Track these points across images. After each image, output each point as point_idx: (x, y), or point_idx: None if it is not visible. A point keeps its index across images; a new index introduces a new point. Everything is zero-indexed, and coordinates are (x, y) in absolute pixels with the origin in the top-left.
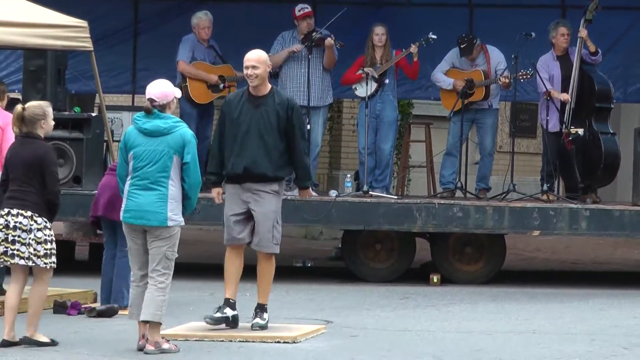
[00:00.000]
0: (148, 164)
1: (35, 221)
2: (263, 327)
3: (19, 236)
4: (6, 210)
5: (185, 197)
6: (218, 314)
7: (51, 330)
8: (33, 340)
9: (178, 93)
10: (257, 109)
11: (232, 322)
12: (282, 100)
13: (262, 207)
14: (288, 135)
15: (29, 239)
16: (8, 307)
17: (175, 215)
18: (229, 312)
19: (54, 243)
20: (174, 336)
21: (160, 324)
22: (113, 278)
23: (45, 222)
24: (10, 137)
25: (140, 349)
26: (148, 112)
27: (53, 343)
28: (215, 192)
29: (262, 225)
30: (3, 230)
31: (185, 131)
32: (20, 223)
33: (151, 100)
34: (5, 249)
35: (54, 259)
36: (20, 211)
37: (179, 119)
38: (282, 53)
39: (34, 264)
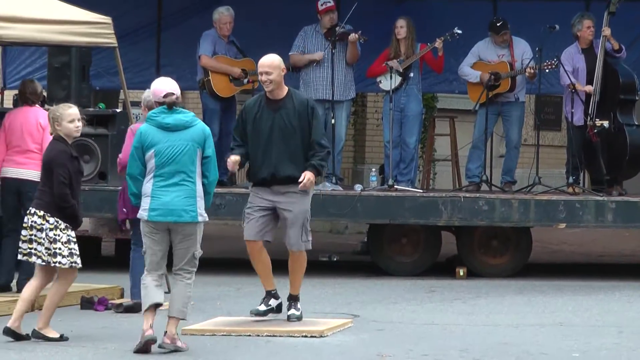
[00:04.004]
0: (173, 160)
1: (47, 221)
2: (299, 318)
3: (34, 235)
4: (30, 209)
5: (205, 193)
6: (263, 307)
7: (78, 326)
8: (41, 334)
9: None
10: (277, 113)
11: (277, 310)
12: (302, 101)
13: (294, 208)
14: (309, 135)
15: (41, 238)
16: (21, 297)
17: (203, 211)
18: (273, 302)
19: (69, 244)
20: (200, 331)
21: (183, 319)
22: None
23: (57, 222)
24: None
25: (147, 341)
26: (171, 107)
27: (62, 338)
28: (232, 159)
29: (294, 225)
30: (27, 229)
31: (204, 125)
32: (35, 222)
33: (169, 94)
34: (26, 248)
35: (63, 260)
36: (36, 210)
37: (194, 114)
38: (304, 58)
39: (47, 264)
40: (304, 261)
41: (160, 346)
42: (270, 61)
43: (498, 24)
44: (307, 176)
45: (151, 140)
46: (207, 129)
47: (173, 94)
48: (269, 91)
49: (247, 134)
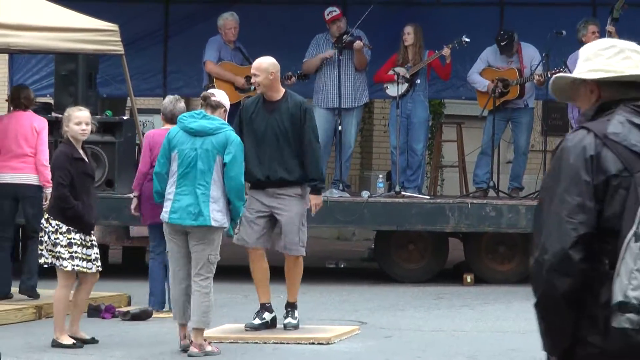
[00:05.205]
0: (192, 164)
1: (50, 224)
2: (296, 327)
3: (42, 237)
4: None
5: (230, 202)
6: (257, 321)
7: (86, 334)
8: (57, 342)
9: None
10: (272, 114)
11: (272, 324)
12: (296, 103)
13: (287, 211)
14: (301, 137)
15: (45, 241)
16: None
17: (218, 216)
18: (267, 316)
19: (70, 247)
20: (208, 339)
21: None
22: (155, 282)
23: (58, 225)
24: (45, 140)
25: (183, 349)
26: (204, 100)
27: (75, 345)
28: None
29: (288, 229)
30: (41, 231)
31: (230, 133)
32: (42, 224)
33: (210, 94)
34: (40, 250)
35: (64, 262)
36: (45, 213)
37: (226, 123)
38: (315, 59)
39: (52, 265)
40: (300, 266)
41: (189, 355)
42: (258, 64)
43: (502, 44)
44: (313, 203)
45: (177, 142)
46: (233, 136)
47: (213, 94)
48: (260, 93)
49: (243, 134)
